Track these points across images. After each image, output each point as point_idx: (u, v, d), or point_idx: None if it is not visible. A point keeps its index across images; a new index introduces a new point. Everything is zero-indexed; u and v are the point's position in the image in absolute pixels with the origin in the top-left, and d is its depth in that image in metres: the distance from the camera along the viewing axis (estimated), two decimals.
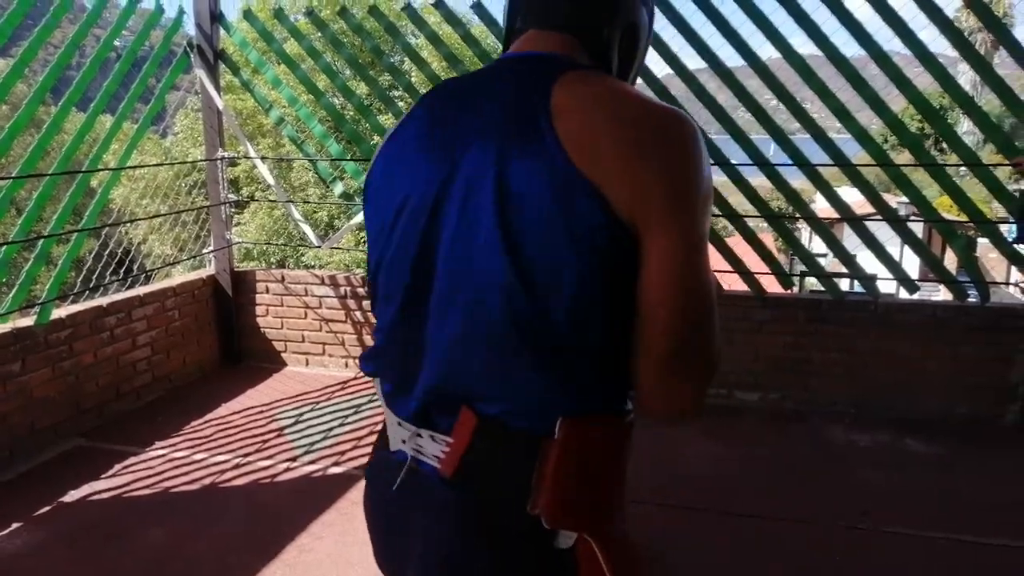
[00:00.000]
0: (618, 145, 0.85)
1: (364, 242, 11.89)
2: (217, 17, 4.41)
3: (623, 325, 0.88)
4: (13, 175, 3.49)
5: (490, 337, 0.89)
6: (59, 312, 3.57)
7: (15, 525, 2.77)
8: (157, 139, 15.07)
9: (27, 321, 3.41)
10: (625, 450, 0.95)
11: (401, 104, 8.51)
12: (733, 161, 3.82)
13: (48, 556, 2.60)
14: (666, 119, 0.88)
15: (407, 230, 0.95)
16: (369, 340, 4.50)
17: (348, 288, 4.51)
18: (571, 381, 0.89)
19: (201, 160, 4.86)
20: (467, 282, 0.90)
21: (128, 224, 7.13)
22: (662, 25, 3.82)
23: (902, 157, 3.99)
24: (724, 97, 3.93)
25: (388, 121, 8.46)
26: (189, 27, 4.47)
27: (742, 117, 4.05)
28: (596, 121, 0.86)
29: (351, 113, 9.57)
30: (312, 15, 4.56)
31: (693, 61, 3.95)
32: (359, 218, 4.53)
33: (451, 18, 4.12)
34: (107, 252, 4.49)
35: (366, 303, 4.47)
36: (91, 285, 4.14)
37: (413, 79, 6.00)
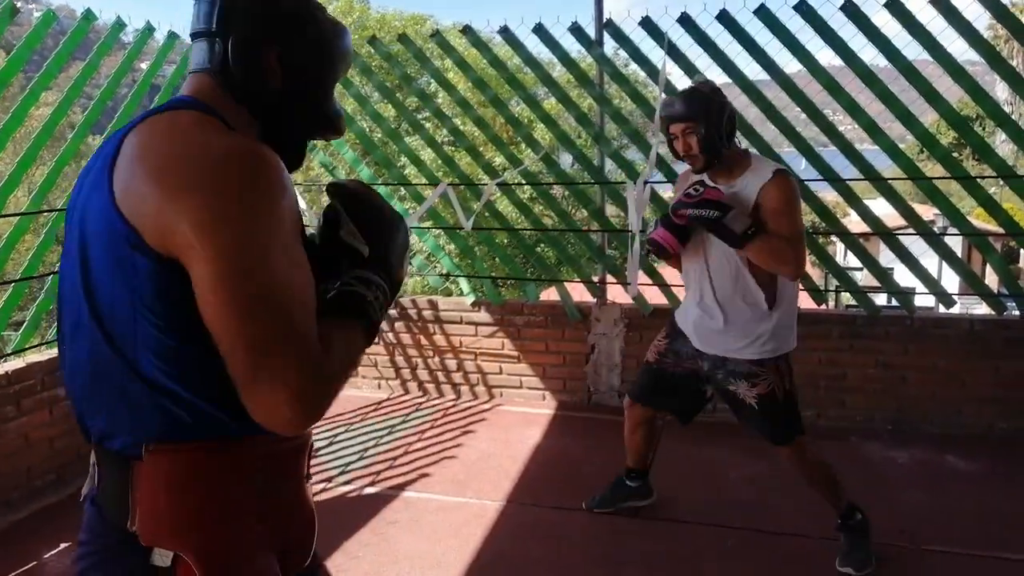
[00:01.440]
0: (143, 182, 0.91)
1: None
2: None
3: (203, 350, 0.92)
4: (58, 208, 3.62)
5: (87, 367, 0.99)
6: None
7: (63, 545, 2.85)
8: None
9: None
10: (225, 470, 0.98)
11: (428, 126, 8.64)
12: None
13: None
14: (193, 150, 0.92)
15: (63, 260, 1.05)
16: (401, 361, 4.56)
17: None
18: (156, 408, 0.95)
19: None
20: (69, 316, 1.00)
21: None
22: (688, 43, 3.84)
23: (936, 170, 3.96)
24: (752, 113, 3.94)
25: (415, 143, 8.57)
26: None
27: (770, 132, 4.05)
28: (134, 163, 0.92)
29: (379, 136, 9.73)
30: None
31: (720, 77, 3.96)
32: None
33: (478, 43, 4.20)
34: None
35: (398, 324, 4.53)
36: None
37: (440, 102, 6.09)
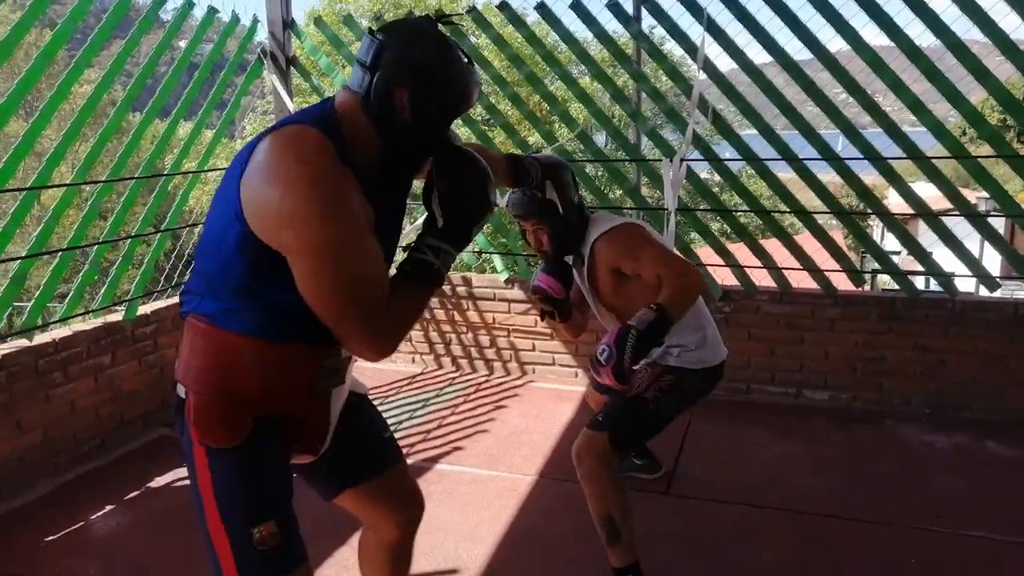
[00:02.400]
0: (258, 185, 1.24)
1: None
2: (289, 24, 4.57)
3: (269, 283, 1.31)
4: (103, 180, 3.69)
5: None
6: (144, 308, 3.76)
7: (108, 507, 2.95)
8: (226, 142, 15.58)
9: (115, 317, 3.60)
10: (216, 348, 1.35)
11: (476, 108, 8.60)
12: (801, 156, 3.76)
13: (136, 536, 2.76)
14: (269, 154, 1.25)
15: None
16: (435, 336, 4.59)
17: None
18: (207, 295, 1.36)
19: None
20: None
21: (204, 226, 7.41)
22: (728, 19, 3.78)
23: (982, 150, 3.86)
24: (792, 92, 3.87)
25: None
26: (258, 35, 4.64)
27: (810, 112, 3.98)
28: (255, 168, 1.25)
29: None
30: (379, 20, 4.66)
31: (760, 55, 3.90)
32: (423, 219, 4.61)
33: (516, 19, 4.17)
34: (187, 252, 4.70)
35: (432, 300, 4.56)
36: (173, 283, 4.35)
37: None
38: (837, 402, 3.94)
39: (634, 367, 1.94)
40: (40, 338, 3.22)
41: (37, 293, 3.31)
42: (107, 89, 3.73)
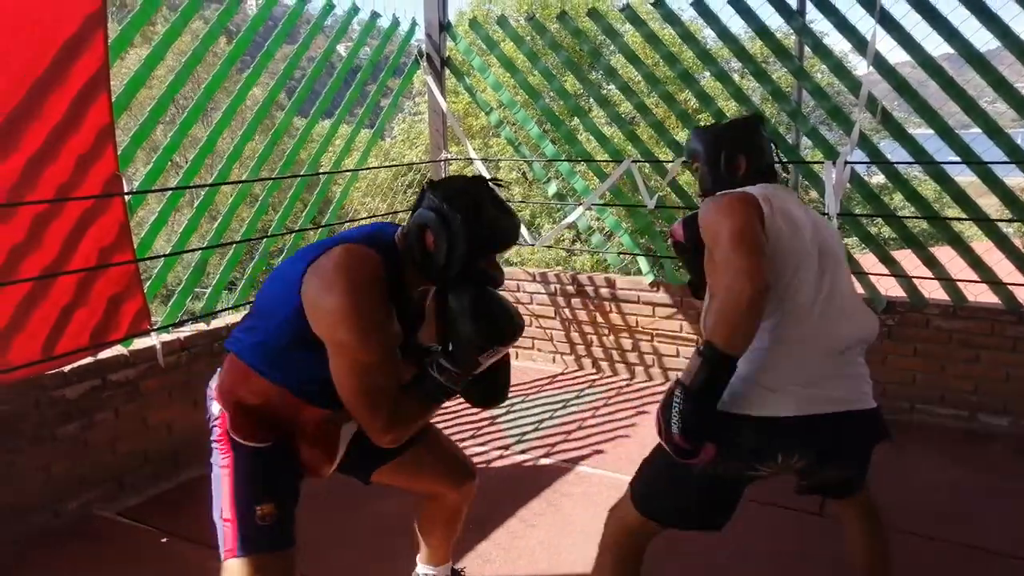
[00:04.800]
0: (312, 286, 1.55)
1: (573, 241, 11.97)
2: (445, 27, 4.70)
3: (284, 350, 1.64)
4: (273, 176, 3.96)
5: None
6: None
7: None
8: (379, 142, 16.30)
9: None
10: (258, 388, 1.67)
11: (623, 107, 8.54)
12: (985, 160, 3.44)
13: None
14: (316, 272, 1.55)
15: None
16: (576, 337, 4.58)
17: (558, 285, 4.61)
18: (254, 346, 1.67)
19: (426, 161, 5.20)
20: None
21: (354, 223, 7.79)
22: (903, 11, 3.50)
23: None
24: (973, 91, 3.55)
25: (600, 120, 8.50)
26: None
27: (995, 111, 3.63)
28: (314, 270, 1.56)
29: (565, 114, 9.78)
30: (533, 20, 4.72)
31: (940, 48, 3.59)
32: (572, 218, 4.62)
33: (670, 17, 4.08)
34: None
35: (575, 300, 4.56)
36: None
37: (624, 77, 6.00)
38: (1018, 429, 3.57)
39: (686, 436, 1.55)
40: (215, 323, 3.49)
41: (214, 281, 3.60)
42: (278, 94, 3.99)
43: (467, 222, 1.56)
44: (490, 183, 1.68)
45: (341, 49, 4.44)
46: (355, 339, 1.49)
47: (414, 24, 4.68)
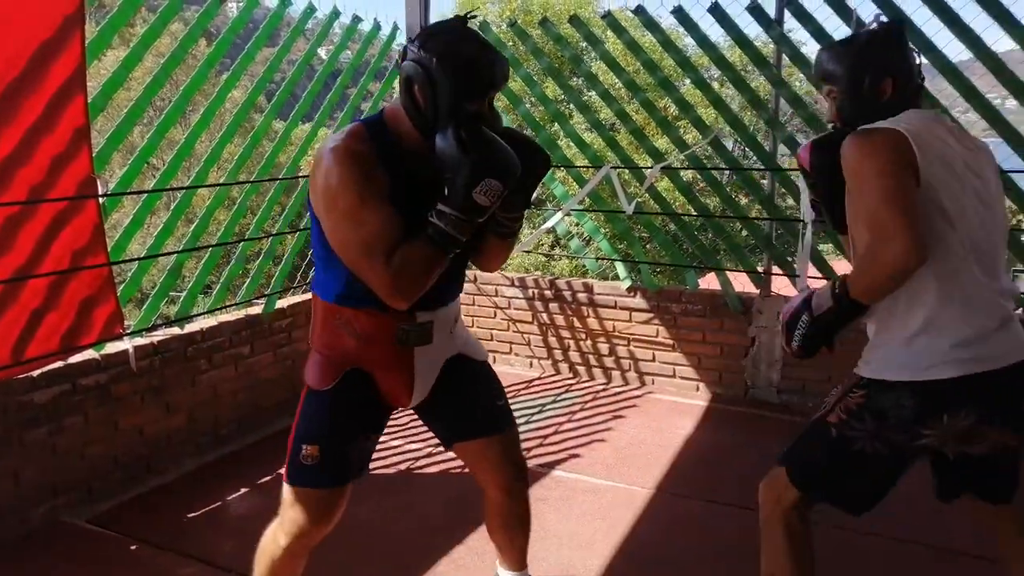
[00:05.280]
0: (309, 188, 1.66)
1: (552, 246, 12.01)
2: None
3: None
4: (252, 180, 3.93)
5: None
6: (282, 303, 3.97)
7: (243, 490, 3.13)
8: None
9: (256, 310, 3.82)
10: (335, 318, 1.75)
11: (603, 113, 8.56)
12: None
13: (268, 519, 2.89)
14: (323, 158, 1.59)
15: None
16: (554, 342, 4.59)
17: (536, 290, 4.62)
18: (319, 273, 1.77)
19: None
20: None
21: None
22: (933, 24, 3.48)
23: None
24: (945, 100, 3.60)
25: (581, 126, 8.52)
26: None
27: (967, 120, 3.68)
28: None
29: (546, 119, 9.80)
30: (514, 26, 4.73)
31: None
32: (551, 223, 4.63)
33: (651, 24, 4.10)
34: None
35: (553, 305, 4.57)
36: (308, 280, 4.56)
37: (603, 84, 6.03)
38: None
39: (804, 351, 1.70)
40: (190, 327, 3.46)
41: (189, 285, 3.57)
42: (258, 95, 3.97)
43: (444, 62, 1.53)
44: (469, 20, 1.64)
45: (322, 52, 4.42)
46: (342, 198, 1.54)
47: (395, 28, 4.67)
